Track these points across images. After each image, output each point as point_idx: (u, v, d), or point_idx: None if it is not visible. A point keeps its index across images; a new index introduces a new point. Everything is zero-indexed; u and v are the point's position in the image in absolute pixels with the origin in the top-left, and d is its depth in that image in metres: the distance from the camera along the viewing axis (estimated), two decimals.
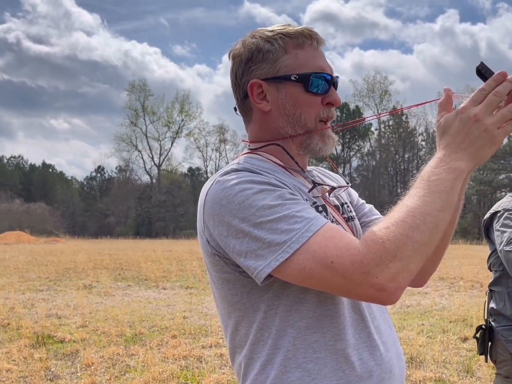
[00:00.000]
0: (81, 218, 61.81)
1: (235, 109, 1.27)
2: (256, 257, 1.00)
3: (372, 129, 59.05)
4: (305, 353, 1.08)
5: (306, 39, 1.18)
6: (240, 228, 1.02)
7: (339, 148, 56.58)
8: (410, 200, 0.99)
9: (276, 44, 1.17)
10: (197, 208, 1.16)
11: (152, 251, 23.97)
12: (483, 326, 2.64)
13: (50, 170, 73.98)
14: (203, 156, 63.56)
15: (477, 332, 2.67)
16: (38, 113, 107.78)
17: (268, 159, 1.18)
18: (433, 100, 1.15)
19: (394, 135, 57.80)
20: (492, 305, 2.61)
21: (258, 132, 1.23)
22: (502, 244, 2.41)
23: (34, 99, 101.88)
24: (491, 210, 2.61)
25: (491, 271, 2.69)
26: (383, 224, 0.97)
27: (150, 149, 62.29)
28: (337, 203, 1.28)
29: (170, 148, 63.21)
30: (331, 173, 1.42)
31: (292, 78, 1.15)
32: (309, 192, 1.17)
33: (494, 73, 1.02)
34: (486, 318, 2.66)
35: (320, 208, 1.16)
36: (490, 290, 2.67)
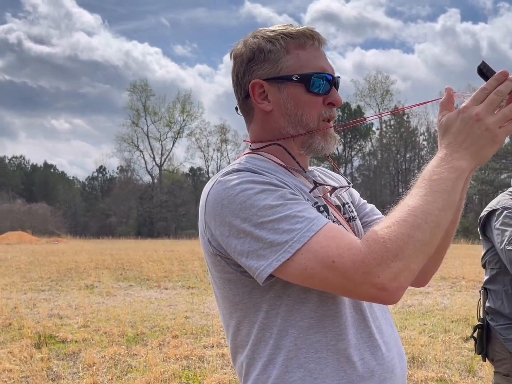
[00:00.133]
0: (82, 218, 61.87)
1: (236, 109, 1.27)
2: (258, 257, 1.00)
3: (374, 128, 59.12)
4: (307, 353, 1.08)
5: (307, 40, 1.18)
6: (242, 228, 1.02)
7: (340, 148, 56.56)
8: (411, 199, 0.99)
9: (278, 44, 1.17)
10: (198, 208, 1.16)
11: (154, 251, 23.99)
12: (480, 326, 2.62)
13: (52, 170, 74.08)
14: (204, 156, 63.67)
15: (474, 331, 2.65)
16: (40, 113, 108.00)
17: (270, 159, 1.18)
18: (435, 100, 1.15)
19: (395, 135, 57.78)
20: (489, 303, 2.58)
21: (260, 132, 1.23)
22: (504, 243, 2.39)
23: (35, 99, 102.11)
24: (488, 208, 2.57)
25: (485, 269, 2.65)
26: (385, 223, 0.97)
27: (151, 149, 62.43)
28: (338, 203, 1.28)
29: (172, 148, 63.36)
30: (333, 173, 1.42)
31: (294, 78, 1.16)
32: (310, 192, 1.17)
33: (495, 72, 1.02)
34: (482, 317, 2.64)
35: (322, 208, 1.16)
36: (485, 289, 2.63)
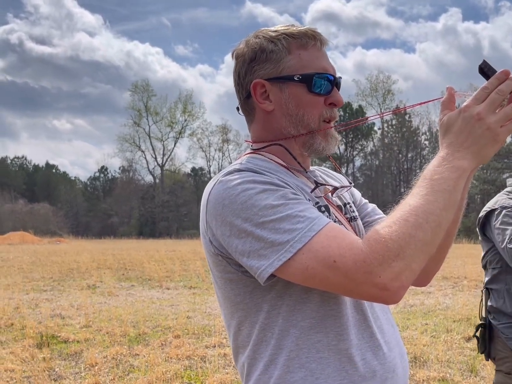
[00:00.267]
0: (84, 218, 61.93)
1: (237, 109, 1.27)
2: (259, 256, 1.01)
3: (375, 128, 59.03)
4: (308, 353, 1.08)
5: (309, 40, 1.18)
6: (243, 228, 1.02)
7: (342, 147, 56.53)
8: (412, 199, 0.99)
9: (280, 45, 1.17)
10: (200, 208, 1.16)
11: (156, 251, 24.00)
12: (483, 325, 2.63)
13: (54, 170, 74.17)
14: (206, 156, 63.66)
15: (477, 330, 2.66)
16: (41, 113, 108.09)
17: (271, 159, 1.19)
18: (436, 99, 1.15)
19: (397, 135, 57.72)
20: (491, 303, 2.60)
21: (261, 132, 1.23)
22: (505, 242, 2.40)
23: (37, 99, 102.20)
24: (486, 208, 2.59)
25: (485, 269, 2.67)
26: (386, 223, 0.97)
27: (153, 149, 62.42)
28: (339, 203, 1.28)
29: (173, 148, 63.32)
30: (334, 173, 1.42)
31: (295, 79, 1.16)
32: (311, 192, 1.17)
33: (496, 72, 1.02)
34: (484, 316, 2.65)
35: (323, 208, 1.16)
36: (487, 289, 2.65)
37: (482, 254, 2.67)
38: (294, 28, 1.19)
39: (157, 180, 62.86)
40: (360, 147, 59.66)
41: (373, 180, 57.57)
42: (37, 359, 5.49)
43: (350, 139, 57.84)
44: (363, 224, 1.33)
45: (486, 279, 2.64)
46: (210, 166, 63.31)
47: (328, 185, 1.23)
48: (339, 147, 1.26)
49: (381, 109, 56.12)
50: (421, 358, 5.41)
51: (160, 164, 62.47)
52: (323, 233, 0.98)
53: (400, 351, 1.21)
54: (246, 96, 1.21)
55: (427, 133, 56.90)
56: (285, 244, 0.98)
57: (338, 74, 1.21)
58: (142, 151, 62.48)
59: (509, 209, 2.48)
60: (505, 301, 2.53)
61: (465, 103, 1.03)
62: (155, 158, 62.55)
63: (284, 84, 1.17)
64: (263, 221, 1.00)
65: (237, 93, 1.25)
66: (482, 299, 2.68)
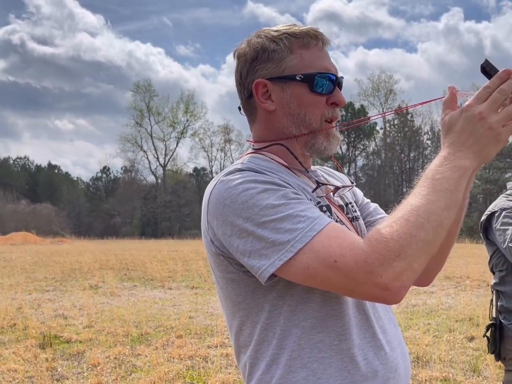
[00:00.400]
0: (86, 218, 61.99)
1: (239, 108, 1.27)
2: (260, 256, 1.01)
3: (377, 128, 58.99)
4: (310, 352, 1.08)
5: (311, 39, 1.18)
6: (244, 228, 1.02)
7: (344, 147, 56.49)
8: (414, 198, 0.99)
9: (282, 44, 1.17)
10: (202, 208, 1.16)
11: (158, 251, 24.01)
12: (493, 325, 2.65)
13: (56, 171, 74.25)
14: (208, 156, 63.67)
15: (487, 330, 2.67)
16: (43, 114, 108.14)
17: (272, 159, 1.19)
18: (438, 98, 1.15)
19: (399, 134, 57.67)
20: (501, 303, 2.62)
21: (263, 131, 1.23)
22: (507, 242, 2.44)
23: (38, 100, 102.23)
24: (487, 212, 2.65)
25: (493, 272, 2.70)
26: (387, 223, 0.97)
27: (155, 149, 62.43)
28: (341, 203, 1.27)
29: (175, 148, 63.32)
30: (336, 172, 1.42)
31: (297, 78, 1.16)
32: (313, 192, 1.17)
33: (498, 71, 1.01)
34: (494, 316, 2.67)
35: (324, 208, 1.16)
36: (497, 290, 2.67)
37: (488, 257, 2.71)
38: (296, 28, 1.19)
39: (159, 180, 62.90)
40: (362, 147, 59.64)
41: (375, 180, 57.53)
42: (39, 359, 5.50)
43: (352, 139, 57.81)
44: (365, 223, 1.32)
45: (494, 281, 2.68)
46: (212, 166, 63.42)
47: (329, 184, 1.23)
48: (341, 147, 1.26)
49: (383, 108, 56.06)
50: (424, 358, 5.41)
51: (162, 164, 62.53)
52: (324, 233, 0.98)
53: (402, 351, 1.21)
54: (248, 96, 1.21)
55: (429, 133, 56.87)
56: (286, 244, 0.98)
57: (340, 74, 1.21)
58: (144, 151, 62.56)
59: (508, 210, 2.53)
60: None
61: (467, 103, 1.02)
62: (157, 158, 62.63)
63: (286, 84, 1.17)
64: (264, 220, 1.00)
65: (239, 93, 1.25)
66: (492, 299, 2.71)
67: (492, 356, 2.70)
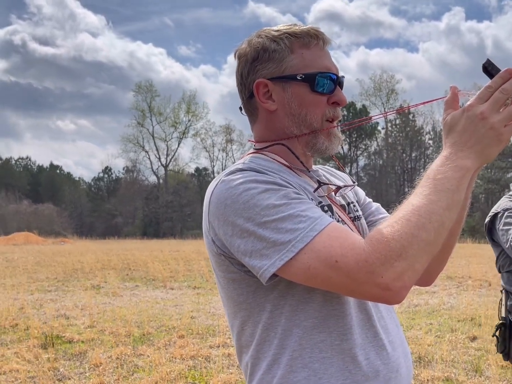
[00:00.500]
0: (88, 218, 62.06)
1: (240, 108, 1.27)
2: (261, 256, 1.00)
3: (379, 128, 58.97)
4: (311, 352, 1.08)
5: (312, 39, 1.18)
6: (245, 228, 1.02)
7: (345, 147, 56.47)
8: (415, 198, 0.98)
9: (282, 44, 1.17)
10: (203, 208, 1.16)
11: (160, 251, 24.03)
12: (503, 324, 2.64)
13: (58, 171, 74.34)
14: (209, 156, 63.71)
15: (496, 330, 2.67)
16: (45, 114, 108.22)
17: (273, 159, 1.18)
18: (440, 98, 1.15)
19: (401, 134, 57.64)
20: (511, 302, 2.62)
21: (264, 131, 1.23)
22: (509, 241, 2.45)
23: (40, 100, 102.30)
24: (491, 213, 2.67)
25: (500, 273, 2.70)
26: (388, 223, 0.97)
27: (157, 149, 62.50)
28: (343, 202, 1.27)
29: (177, 148, 63.40)
30: (338, 172, 1.42)
31: (298, 78, 1.15)
32: (314, 191, 1.17)
33: (500, 70, 1.01)
34: (503, 316, 2.67)
35: (326, 208, 1.16)
36: (506, 290, 2.67)
37: (495, 258, 2.72)
38: (297, 28, 1.19)
39: (161, 181, 62.96)
40: (363, 147, 59.60)
41: (377, 180, 57.49)
42: (41, 359, 5.50)
43: (353, 139, 57.78)
44: (367, 223, 1.32)
45: (502, 282, 2.68)
46: (213, 166, 63.47)
47: (331, 184, 1.23)
48: (342, 147, 1.25)
49: (384, 108, 56.02)
50: (426, 358, 5.40)
51: (164, 165, 62.61)
52: (325, 232, 0.98)
53: (404, 351, 1.21)
54: (249, 96, 1.21)
55: (431, 133, 56.83)
56: (287, 244, 0.98)
57: (341, 73, 1.21)
58: (146, 152, 62.63)
59: (510, 210, 2.55)
60: None
61: (468, 102, 1.02)
62: (159, 158, 62.69)
63: (287, 84, 1.16)
64: (265, 220, 1.00)
65: (240, 93, 1.25)
66: (501, 299, 2.71)
67: (494, 356, 2.70)
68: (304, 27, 1.19)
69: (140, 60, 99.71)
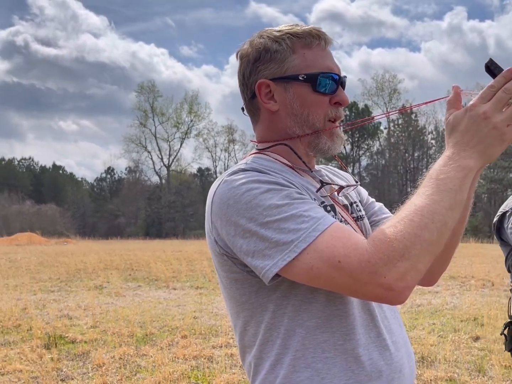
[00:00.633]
0: (91, 219, 62.13)
1: (242, 109, 1.27)
2: (263, 256, 1.00)
3: (381, 127, 58.87)
4: (314, 352, 1.08)
5: (314, 39, 1.17)
6: (247, 228, 1.02)
7: (348, 147, 56.33)
8: (418, 199, 0.98)
9: (284, 44, 1.17)
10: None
11: (162, 251, 24.05)
12: (511, 323, 2.64)
13: (60, 171, 74.47)
14: (212, 156, 63.74)
15: (505, 328, 2.67)
16: (47, 114, 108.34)
17: (276, 159, 1.18)
18: (442, 98, 1.15)
19: (403, 134, 57.57)
20: None
21: (266, 132, 1.23)
22: None
23: (43, 101, 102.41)
24: (499, 212, 2.65)
25: (510, 272, 2.70)
26: (391, 223, 0.97)
27: (159, 150, 62.52)
28: (346, 202, 1.27)
29: (179, 148, 63.40)
30: (341, 171, 1.41)
31: (300, 78, 1.15)
32: (317, 191, 1.17)
33: (503, 70, 1.01)
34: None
35: (329, 208, 1.16)
36: None
37: (504, 258, 2.71)
38: (298, 28, 1.19)
39: (164, 181, 62.99)
40: (366, 147, 59.55)
41: (379, 180, 57.44)
42: (44, 360, 5.51)
43: (356, 139, 57.72)
44: (370, 223, 1.32)
45: (511, 281, 2.67)
46: (216, 166, 63.49)
47: (334, 184, 1.23)
48: (345, 147, 1.26)
49: (387, 108, 55.97)
50: (429, 358, 5.39)
51: (166, 165, 62.63)
52: (328, 233, 0.98)
53: (407, 351, 1.21)
54: (251, 96, 1.21)
55: (434, 132, 56.74)
56: (289, 244, 0.98)
57: (343, 73, 1.21)
58: (149, 152, 62.65)
59: None
60: None
61: (471, 102, 1.02)
62: (161, 158, 62.70)
63: (289, 84, 1.16)
64: (267, 220, 1.00)
65: (242, 94, 1.25)
66: (510, 298, 2.70)
67: (497, 356, 2.70)
68: (306, 27, 1.19)
69: (142, 60, 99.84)
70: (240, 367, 5.16)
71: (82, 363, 5.46)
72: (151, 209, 58.07)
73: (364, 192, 1.41)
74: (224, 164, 62.57)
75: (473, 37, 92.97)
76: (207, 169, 65.16)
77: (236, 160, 59.39)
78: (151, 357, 5.61)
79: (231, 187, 1.05)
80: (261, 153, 1.21)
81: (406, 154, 57.68)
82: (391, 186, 58.09)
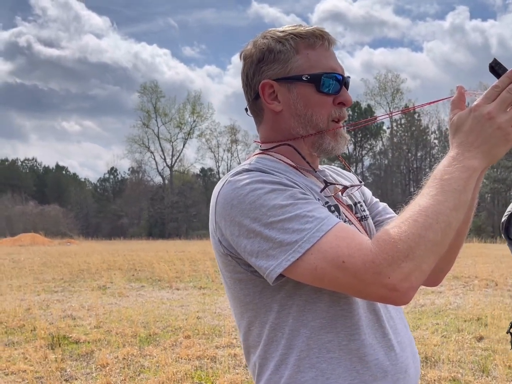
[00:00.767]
0: (94, 219, 62.23)
1: (246, 110, 1.27)
2: (267, 257, 1.00)
3: (384, 127, 58.84)
4: (319, 353, 1.08)
5: (317, 40, 1.17)
6: (251, 228, 1.02)
7: (351, 147, 56.38)
8: (422, 199, 0.98)
9: (288, 45, 1.17)
10: (209, 208, 1.16)
11: (165, 251, 24.06)
12: None
13: (63, 172, 74.60)
14: (215, 156, 63.76)
15: (511, 327, 2.66)
16: (50, 115, 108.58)
17: (279, 159, 1.18)
18: (446, 98, 1.15)
19: (406, 134, 57.50)
20: None
21: (270, 132, 1.23)
22: None
23: (45, 101, 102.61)
24: (507, 212, 2.63)
25: None
26: (395, 223, 0.97)
27: (162, 150, 62.60)
28: (350, 202, 1.27)
29: (182, 149, 63.47)
30: (344, 171, 1.41)
31: (304, 78, 1.15)
32: (321, 191, 1.16)
33: (507, 70, 1.01)
34: None
35: (333, 208, 1.16)
36: None
37: None
38: (302, 28, 1.19)
39: (166, 181, 63.03)
40: (369, 147, 59.51)
41: (383, 180, 57.37)
42: (48, 360, 5.52)
43: (359, 139, 57.69)
44: (374, 223, 1.32)
45: None
46: (219, 166, 63.51)
47: (337, 184, 1.23)
48: (348, 147, 1.26)
49: (390, 108, 55.91)
50: (432, 358, 5.38)
51: (169, 165, 62.69)
52: (332, 233, 0.98)
53: (413, 351, 1.21)
54: (254, 97, 1.21)
55: (437, 132, 56.67)
56: (293, 244, 0.98)
57: (346, 74, 1.21)
58: (151, 152, 62.73)
59: None
60: None
61: (475, 102, 1.02)
62: (164, 159, 62.79)
63: (292, 84, 1.16)
64: (271, 221, 1.00)
65: (246, 94, 1.25)
66: None
67: (501, 356, 2.69)
68: (309, 28, 1.19)
69: (145, 61, 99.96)
70: (243, 367, 5.16)
71: (85, 363, 5.47)
72: (154, 210, 58.12)
73: (368, 192, 1.41)
74: (227, 165, 62.66)
75: (476, 37, 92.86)
76: (210, 169, 65.26)
77: (239, 160, 59.42)
78: (155, 357, 5.61)
79: (235, 187, 1.05)
80: (265, 154, 1.21)
81: (409, 154, 57.62)
82: (394, 186, 58.03)
